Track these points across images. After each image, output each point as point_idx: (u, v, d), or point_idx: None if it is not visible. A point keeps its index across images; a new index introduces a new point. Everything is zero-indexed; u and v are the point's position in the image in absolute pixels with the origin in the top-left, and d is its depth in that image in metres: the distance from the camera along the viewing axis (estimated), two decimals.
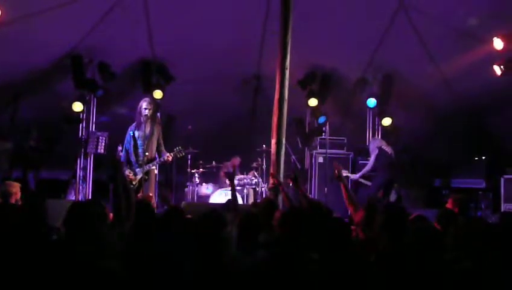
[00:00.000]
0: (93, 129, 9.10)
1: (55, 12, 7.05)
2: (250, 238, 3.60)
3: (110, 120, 9.54)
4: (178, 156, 7.24)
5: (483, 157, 9.68)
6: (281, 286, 2.81)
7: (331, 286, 2.88)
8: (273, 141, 6.18)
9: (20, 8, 6.87)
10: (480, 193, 9.37)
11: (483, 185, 9.40)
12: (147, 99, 7.33)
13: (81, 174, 9.03)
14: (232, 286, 2.99)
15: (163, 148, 7.25)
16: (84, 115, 8.98)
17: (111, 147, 8.77)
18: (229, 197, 5.88)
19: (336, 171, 4.95)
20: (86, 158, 9.04)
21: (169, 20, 8.02)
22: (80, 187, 8.98)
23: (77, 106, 8.65)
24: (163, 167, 8.81)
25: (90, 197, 8.88)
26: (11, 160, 8.18)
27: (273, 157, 6.19)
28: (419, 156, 10.15)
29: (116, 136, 7.98)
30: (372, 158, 8.30)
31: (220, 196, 8.69)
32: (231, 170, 6.27)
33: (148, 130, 7.11)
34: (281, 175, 6.10)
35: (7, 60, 7.52)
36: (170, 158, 7.14)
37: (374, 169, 8.35)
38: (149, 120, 7.15)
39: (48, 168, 9.77)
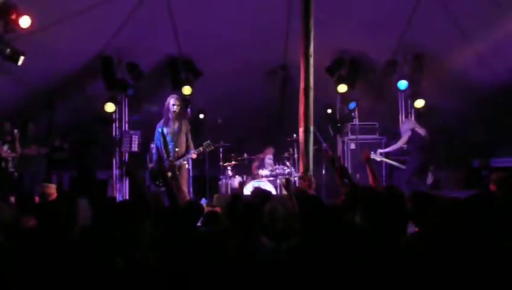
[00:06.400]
0: (126, 128, 9.32)
1: (81, 17, 7.18)
2: None
3: (142, 118, 9.71)
4: (207, 150, 7.27)
5: None
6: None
7: None
8: (301, 130, 6.13)
9: (48, 15, 7.02)
10: None
11: None
12: (174, 95, 7.35)
13: (117, 173, 9.29)
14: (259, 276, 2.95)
15: (191, 144, 7.22)
16: (117, 115, 9.20)
17: (144, 145, 8.98)
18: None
19: (364, 157, 5.22)
20: (121, 157, 9.28)
21: (193, 15, 8.03)
22: (117, 185, 9.23)
23: (109, 107, 8.87)
24: (196, 161, 8.88)
25: (127, 195, 9.14)
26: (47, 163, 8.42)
27: (301, 146, 6.14)
28: (455, 137, 9.85)
29: (149, 134, 8.12)
30: (402, 138, 8.08)
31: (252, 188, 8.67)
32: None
33: (176, 126, 7.13)
34: (311, 163, 6.05)
35: (39, 67, 7.70)
36: (195, 156, 7.16)
37: (404, 151, 8.14)
38: (177, 116, 7.16)
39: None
